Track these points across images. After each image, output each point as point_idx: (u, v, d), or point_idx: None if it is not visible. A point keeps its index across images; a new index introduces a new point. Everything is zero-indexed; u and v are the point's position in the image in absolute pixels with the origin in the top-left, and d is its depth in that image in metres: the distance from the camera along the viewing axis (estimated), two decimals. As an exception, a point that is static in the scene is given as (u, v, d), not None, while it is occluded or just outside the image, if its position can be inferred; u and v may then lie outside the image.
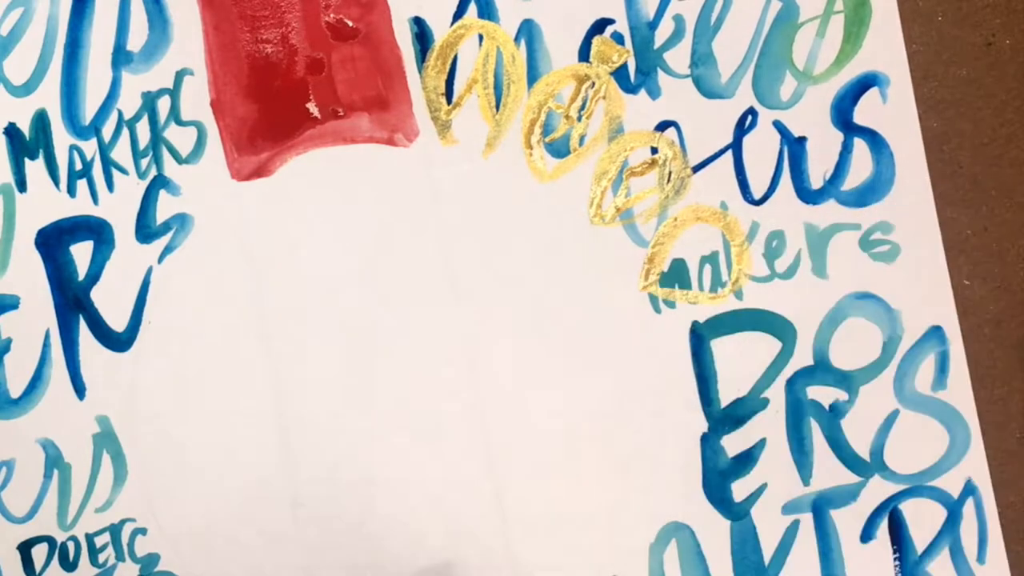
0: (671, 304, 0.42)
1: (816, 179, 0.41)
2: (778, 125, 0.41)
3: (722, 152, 0.41)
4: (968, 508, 0.41)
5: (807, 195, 0.41)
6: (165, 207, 0.43)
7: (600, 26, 0.41)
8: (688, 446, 0.42)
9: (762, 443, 0.42)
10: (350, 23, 0.42)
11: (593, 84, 0.42)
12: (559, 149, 0.42)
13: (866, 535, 0.42)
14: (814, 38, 0.41)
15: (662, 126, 0.42)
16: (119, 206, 0.43)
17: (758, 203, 0.41)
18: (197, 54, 0.42)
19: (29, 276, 0.43)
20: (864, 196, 0.41)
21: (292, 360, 0.43)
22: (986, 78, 0.41)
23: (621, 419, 0.42)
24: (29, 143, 0.42)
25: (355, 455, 0.43)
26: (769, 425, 0.42)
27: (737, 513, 0.42)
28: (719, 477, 0.42)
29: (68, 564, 0.43)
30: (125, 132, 0.42)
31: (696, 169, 0.42)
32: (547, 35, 0.41)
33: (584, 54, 0.42)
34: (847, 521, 0.42)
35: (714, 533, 0.42)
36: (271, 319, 0.43)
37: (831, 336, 0.41)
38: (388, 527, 0.43)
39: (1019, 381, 0.41)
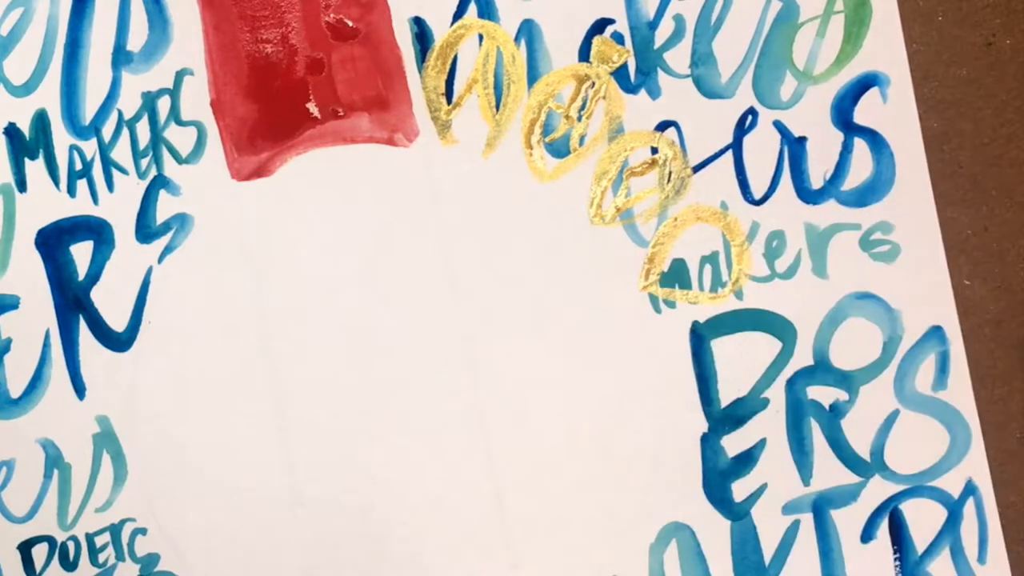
0: (671, 304, 0.42)
1: (816, 179, 0.41)
2: (778, 125, 0.41)
3: (722, 152, 0.41)
4: (968, 508, 0.41)
5: (807, 195, 0.41)
6: (165, 207, 0.43)
7: (600, 26, 0.41)
8: (688, 446, 0.42)
9: (762, 443, 0.42)
10: (350, 23, 0.42)
11: (593, 84, 0.42)
12: (559, 149, 0.42)
13: (866, 535, 0.42)
14: (814, 38, 0.41)
15: (662, 126, 0.42)
16: (119, 206, 0.43)
17: (758, 203, 0.41)
18: (197, 54, 0.42)
19: (29, 276, 0.43)
20: (864, 196, 0.41)
21: (292, 360, 0.43)
22: (986, 78, 0.41)
23: (621, 419, 0.42)
24: (29, 143, 0.42)
25: (355, 455, 0.43)
26: (769, 425, 0.42)
27: (737, 513, 0.42)
28: (719, 477, 0.42)
29: (68, 564, 0.43)
30: (125, 132, 0.42)
31: (696, 169, 0.42)
32: (547, 35, 0.41)
33: (584, 54, 0.42)
34: (847, 521, 0.42)
35: (714, 533, 0.42)
36: (271, 319, 0.43)
37: (831, 336, 0.41)
38: (388, 527, 0.43)
39: (1020, 381, 0.41)
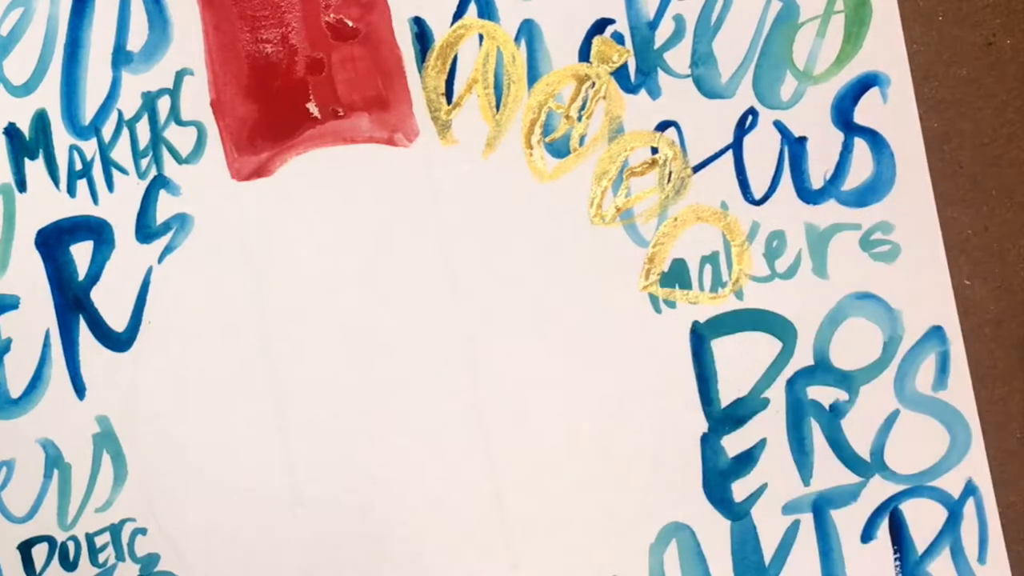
0: (671, 304, 0.42)
1: (816, 179, 0.41)
2: (778, 125, 0.41)
3: (722, 152, 0.41)
4: (969, 508, 0.41)
5: (807, 195, 0.41)
6: (165, 207, 0.43)
7: (600, 26, 0.41)
8: (688, 446, 0.42)
9: (762, 443, 0.42)
10: (350, 23, 0.42)
11: (593, 84, 0.42)
12: (559, 149, 0.42)
13: (866, 535, 0.42)
14: (814, 38, 0.41)
15: (662, 126, 0.42)
16: (119, 206, 0.43)
17: (758, 203, 0.41)
18: (197, 54, 0.42)
19: (29, 276, 0.43)
20: (864, 196, 0.41)
21: (292, 360, 0.43)
22: (986, 78, 0.41)
23: (621, 419, 0.42)
24: (29, 143, 0.42)
25: (355, 455, 0.43)
26: (769, 425, 0.42)
27: (737, 513, 0.42)
28: (719, 477, 0.42)
29: (68, 564, 0.43)
30: (125, 132, 0.42)
31: (696, 169, 0.42)
32: (547, 35, 0.41)
33: (584, 54, 0.42)
34: (847, 521, 0.42)
35: (714, 533, 0.42)
36: (271, 319, 0.43)
37: (831, 336, 0.41)
38: (388, 527, 0.43)
39: (1020, 381, 0.41)
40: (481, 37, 0.42)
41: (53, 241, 0.43)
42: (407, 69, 0.42)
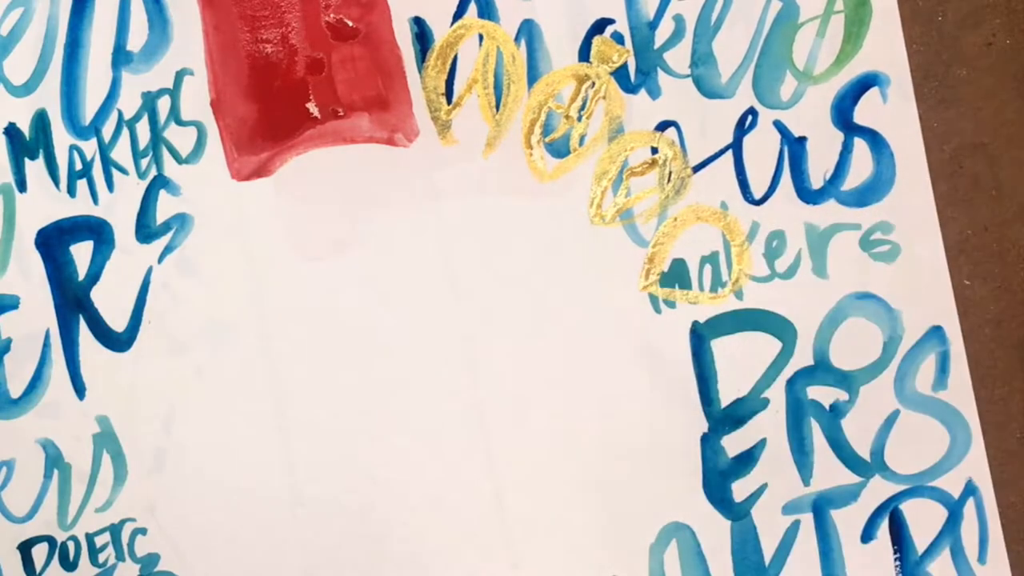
0: (671, 304, 0.42)
1: (816, 179, 0.41)
2: (778, 125, 0.41)
3: (722, 152, 0.41)
4: (969, 508, 0.41)
5: (807, 195, 0.41)
6: (165, 207, 0.43)
7: (600, 26, 0.41)
8: (688, 446, 0.42)
9: (762, 443, 0.42)
10: (350, 23, 0.42)
11: (593, 84, 0.42)
12: (559, 149, 0.42)
13: (867, 535, 0.42)
14: (814, 38, 0.41)
15: (662, 126, 0.42)
16: (119, 206, 0.43)
17: (758, 203, 0.41)
18: (197, 54, 0.42)
19: (29, 276, 0.43)
20: (864, 196, 0.41)
21: (292, 360, 0.43)
22: (986, 78, 0.41)
23: (621, 419, 0.42)
24: (29, 143, 0.42)
25: (355, 455, 0.43)
26: (769, 425, 0.42)
27: (737, 513, 0.42)
28: (719, 477, 0.42)
29: (68, 564, 0.43)
30: (125, 132, 0.42)
31: (696, 169, 0.42)
32: (547, 35, 0.41)
33: (584, 54, 0.42)
34: (848, 521, 0.42)
35: (714, 533, 0.42)
36: (271, 319, 0.43)
37: (831, 336, 0.41)
38: (388, 527, 0.43)
39: (1020, 381, 0.41)
40: (481, 37, 0.42)
41: (53, 241, 0.43)
42: (407, 69, 0.42)
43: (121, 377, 0.43)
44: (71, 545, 0.43)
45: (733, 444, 0.42)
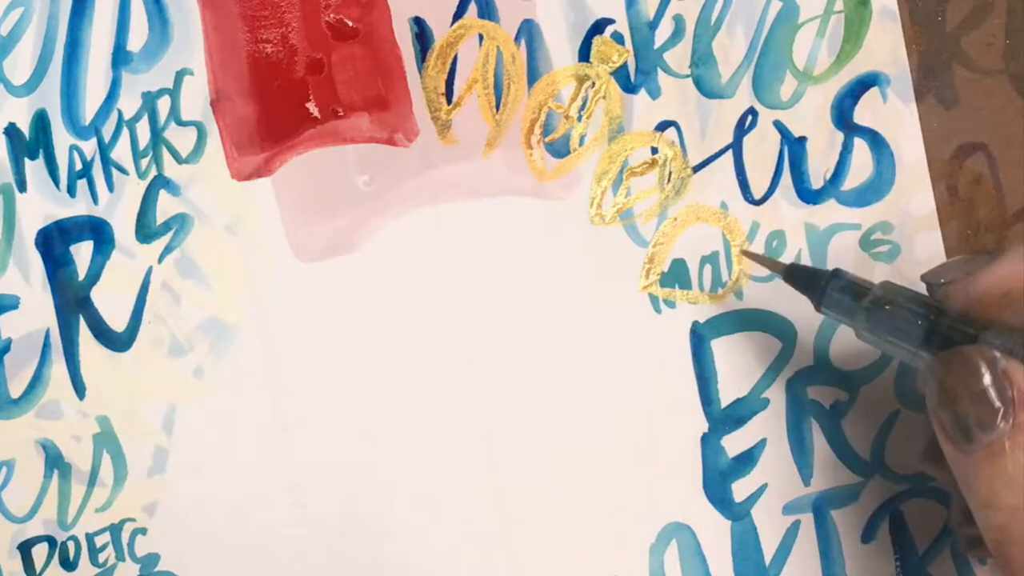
0: (671, 304, 0.42)
1: (816, 179, 0.41)
2: (778, 125, 0.41)
3: (722, 152, 0.41)
4: (969, 508, 0.41)
5: (807, 195, 0.41)
6: (165, 207, 0.43)
7: (600, 26, 0.41)
8: (688, 446, 0.42)
9: (762, 443, 0.42)
10: (350, 23, 0.42)
11: (593, 84, 0.42)
12: (559, 149, 0.42)
13: (867, 535, 0.42)
14: (814, 38, 0.41)
15: (662, 126, 0.42)
16: (119, 206, 0.43)
17: (758, 203, 0.41)
18: (197, 54, 0.42)
19: (29, 276, 0.43)
20: (864, 196, 0.41)
21: (292, 360, 0.43)
22: (986, 78, 0.41)
23: (621, 419, 0.42)
24: (29, 143, 0.42)
25: (355, 455, 0.43)
26: (769, 425, 0.42)
27: (738, 513, 0.42)
28: (719, 477, 0.42)
29: (68, 564, 0.43)
30: (125, 132, 0.42)
31: (696, 169, 0.42)
32: (547, 35, 0.41)
33: (584, 54, 0.42)
34: (848, 521, 0.42)
35: (714, 533, 0.42)
36: (271, 319, 0.43)
37: (831, 336, 0.41)
38: (388, 527, 0.43)
39: (1020, 381, 0.41)
40: (481, 37, 0.42)
41: (53, 241, 0.43)
42: (407, 69, 0.42)
43: (121, 377, 0.43)
44: (71, 545, 0.43)
45: (733, 444, 0.42)
